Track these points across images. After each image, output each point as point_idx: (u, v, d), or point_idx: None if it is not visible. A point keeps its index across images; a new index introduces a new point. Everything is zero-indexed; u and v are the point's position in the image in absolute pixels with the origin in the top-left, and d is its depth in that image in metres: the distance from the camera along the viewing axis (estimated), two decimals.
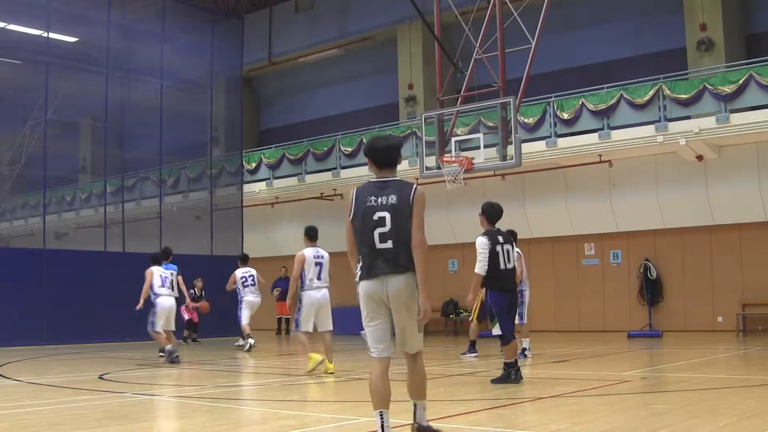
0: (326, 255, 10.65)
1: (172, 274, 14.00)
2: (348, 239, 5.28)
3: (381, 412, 5.08)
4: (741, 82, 16.78)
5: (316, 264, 10.42)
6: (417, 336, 5.21)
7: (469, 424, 6.31)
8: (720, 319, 18.47)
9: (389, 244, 5.08)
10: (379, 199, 5.13)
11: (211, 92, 23.77)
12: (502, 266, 8.98)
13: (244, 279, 16.44)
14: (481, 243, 9.01)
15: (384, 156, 5.25)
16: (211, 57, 23.44)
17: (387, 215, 5.09)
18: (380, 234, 5.09)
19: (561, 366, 11.57)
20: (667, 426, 5.85)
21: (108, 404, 7.96)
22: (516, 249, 9.64)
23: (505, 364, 9.02)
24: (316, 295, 10.39)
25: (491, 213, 9.23)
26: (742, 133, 16.93)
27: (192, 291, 19.01)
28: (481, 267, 8.95)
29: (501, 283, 9.03)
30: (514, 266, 9.24)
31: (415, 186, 5.18)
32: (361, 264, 5.18)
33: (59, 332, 18.14)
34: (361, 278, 5.16)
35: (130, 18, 22.31)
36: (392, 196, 5.11)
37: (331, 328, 10.54)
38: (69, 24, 21.14)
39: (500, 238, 9.09)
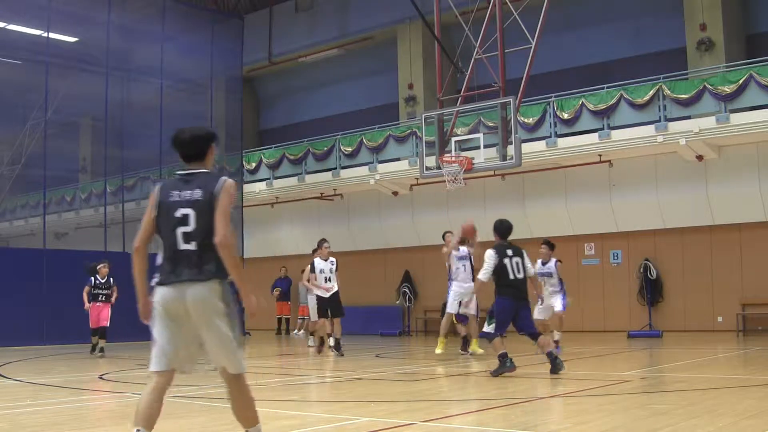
0: None
1: None
2: (139, 235, 4.65)
3: (138, 430, 4.45)
4: (741, 82, 16.77)
5: None
6: (232, 354, 4.62)
7: (469, 424, 6.30)
8: (720, 319, 18.45)
9: (192, 246, 4.49)
10: (183, 194, 4.54)
11: (211, 92, 23.77)
12: (512, 276, 9.79)
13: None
14: (488, 254, 9.87)
15: (188, 148, 4.66)
16: (211, 57, 23.43)
17: (191, 212, 4.50)
18: (183, 234, 4.50)
19: None
20: (667, 426, 5.85)
21: (108, 404, 7.96)
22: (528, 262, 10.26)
23: (499, 356, 9.78)
24: None
25: (500, 228, 10.14)
26: (742, 133, 16.92)
27: (92, 279, 14.86)
28: (483, 274, 9.82)
29: (511, 292, 9.79)
30: (525, 277, 9.94)
31: (224, 178, 4.56)
32: (160, 267, 4.58)
33: (59, 332, 18.13)
34: (157, 283, 4.55)
35: (130, 18, 22.29)
36: (197, 190, 4.52)
37: None
38: (69, 24, 21.14)
39: (509, 252, 9.92)
